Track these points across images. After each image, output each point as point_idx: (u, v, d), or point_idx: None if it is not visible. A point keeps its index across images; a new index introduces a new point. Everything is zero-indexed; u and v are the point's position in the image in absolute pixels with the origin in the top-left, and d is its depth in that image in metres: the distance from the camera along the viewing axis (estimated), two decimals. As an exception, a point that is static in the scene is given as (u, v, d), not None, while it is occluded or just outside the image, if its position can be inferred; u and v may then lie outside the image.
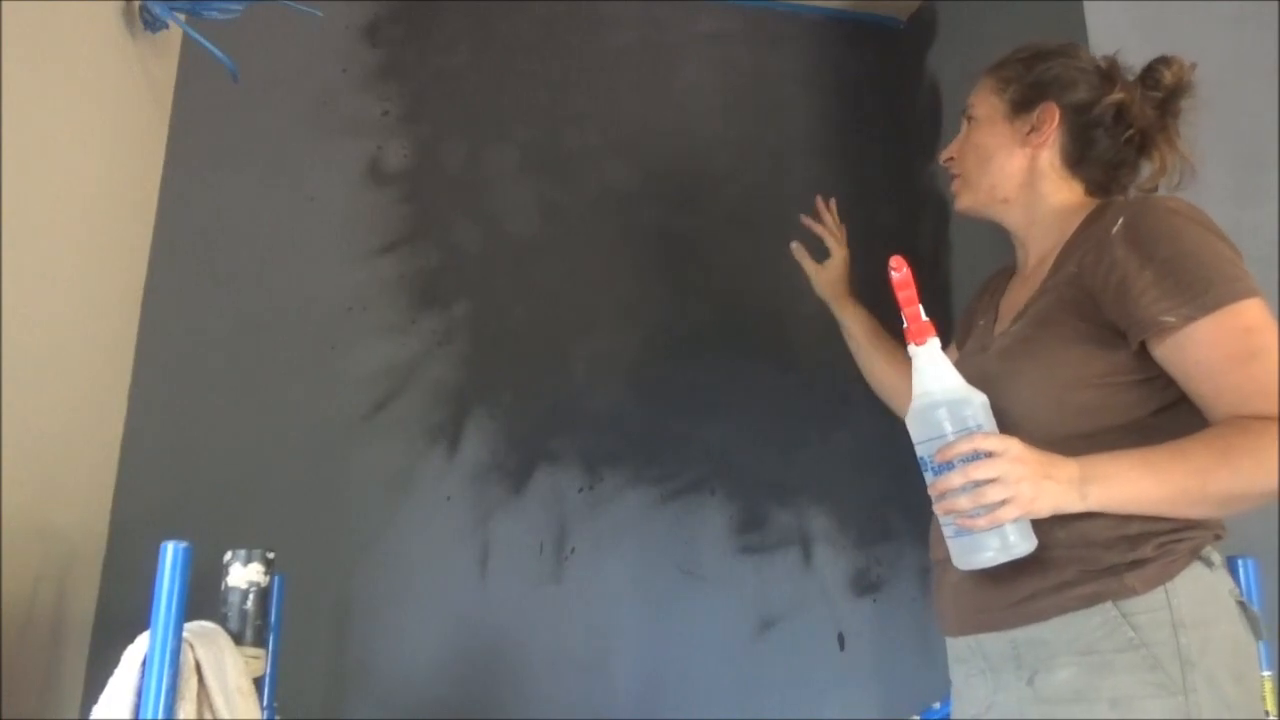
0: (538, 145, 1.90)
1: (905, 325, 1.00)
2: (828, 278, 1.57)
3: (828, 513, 1.84)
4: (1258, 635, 1.03)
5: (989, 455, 0.93)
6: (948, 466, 0.94)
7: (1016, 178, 1.18)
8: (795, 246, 1.58)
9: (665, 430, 1.81)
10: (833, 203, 1.61)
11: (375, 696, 1.57)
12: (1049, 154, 1.17)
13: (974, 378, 1.02)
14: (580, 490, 1.75)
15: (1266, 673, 1.11)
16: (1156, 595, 0.97)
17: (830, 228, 1.59)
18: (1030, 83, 1.18)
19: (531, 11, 1.96)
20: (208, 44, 1.49)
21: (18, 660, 1.21)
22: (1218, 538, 1.03)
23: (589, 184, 1.89)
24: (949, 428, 0.96)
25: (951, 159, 1.25)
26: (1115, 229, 1.03)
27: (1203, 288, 0.97)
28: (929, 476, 0.97)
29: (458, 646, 1.63)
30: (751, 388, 1.84)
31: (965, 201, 1.23)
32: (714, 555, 1.77)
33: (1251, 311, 0.97)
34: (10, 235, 1.14)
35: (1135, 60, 1.19)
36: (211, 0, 1.51)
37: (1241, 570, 1.17)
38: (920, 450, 0.99)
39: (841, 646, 1.78)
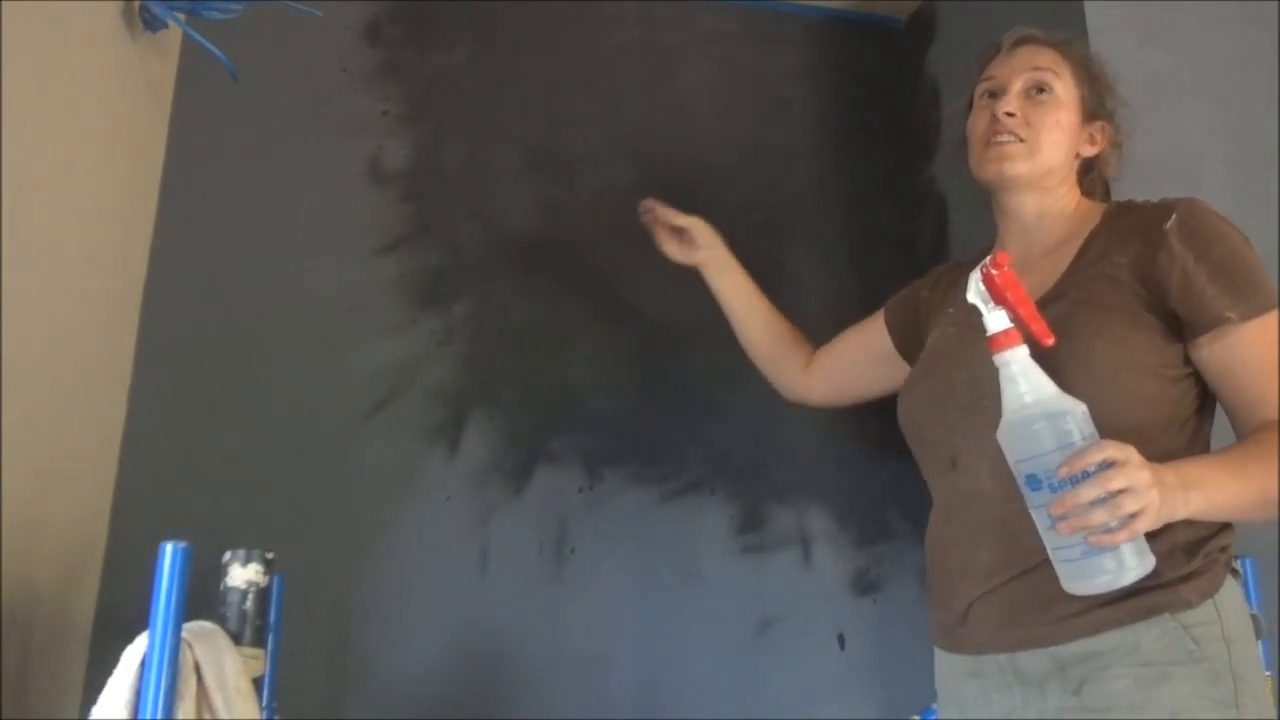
0: (538, 145, 1.89)
1: (1007, 328, 0.95)
2: (709, 252, 1.54)
3: (828, 513, 1.84)
4: (1258, 638, 1.05)
5: (1114, 464, 0.87)
6: (1073, 481, 0.87)
7: (1063, 169, 1.19)
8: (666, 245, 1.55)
9: (665, 430, 1.81)
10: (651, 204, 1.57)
11: (375, 696, 1.57)
12: (1078, 161, 1.21)
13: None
14: (580, 490, 1.75)
15: (1266, 673, 1.12)
16: (1208, 608, 0.97)
17: (665, 219, 1.55)
18: (1099, 94, 1.20)
19: (531, 11, 1.96)
20: (208, 44, 1.49)
21: (18, 660, 1.21)
22: None
23: (589, 184, 1.89)
24: (1053, 442, 0.89)
25: (1014, 116, 1.16)
26: (1168, 224, 1.05)
27: (1252, 290, 1.01)
28: (1043, 494, 0.90)
29: (458, 646, 1.62)
30: (751, 388, 1.84)
31: (1024, 168, 1.16)
32: (714, 555, 1.77)
33: None
34: (10, 235, 1.14)
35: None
36: (211, 0, 1.52)
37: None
38: (1026, 467, 0.91)
39: (841, 646, 1.78)
